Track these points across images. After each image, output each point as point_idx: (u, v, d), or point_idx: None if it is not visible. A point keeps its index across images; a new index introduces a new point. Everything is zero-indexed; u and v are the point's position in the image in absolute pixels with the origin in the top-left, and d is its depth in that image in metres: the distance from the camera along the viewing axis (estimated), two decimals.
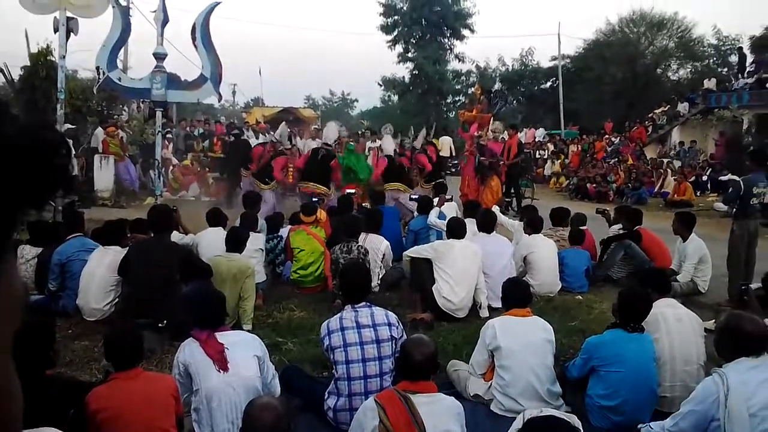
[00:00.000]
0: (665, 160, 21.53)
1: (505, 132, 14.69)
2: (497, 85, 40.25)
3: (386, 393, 3.39)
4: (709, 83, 26.05)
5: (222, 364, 3.70)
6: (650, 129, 27.02)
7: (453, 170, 20.68)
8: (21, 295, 0.54)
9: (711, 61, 34.33)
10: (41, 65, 13.51)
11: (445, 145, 22.37)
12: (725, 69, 32.03)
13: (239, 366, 3.75)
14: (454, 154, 23.17)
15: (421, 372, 3.33)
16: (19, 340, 0.53)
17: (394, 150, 12.37)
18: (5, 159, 0.45)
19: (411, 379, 3.33)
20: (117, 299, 5.95)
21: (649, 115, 28.02)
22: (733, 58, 30.81)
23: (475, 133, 13.87)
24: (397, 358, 3.62)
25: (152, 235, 6.09)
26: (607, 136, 27.30)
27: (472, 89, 17.35)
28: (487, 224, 7.17)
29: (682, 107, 26.23)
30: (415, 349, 3.34)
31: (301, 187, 11.56)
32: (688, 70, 35.36)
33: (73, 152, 12.80)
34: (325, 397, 4.24)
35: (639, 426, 3.85)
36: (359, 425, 3.28)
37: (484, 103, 14.78)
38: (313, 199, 9.69)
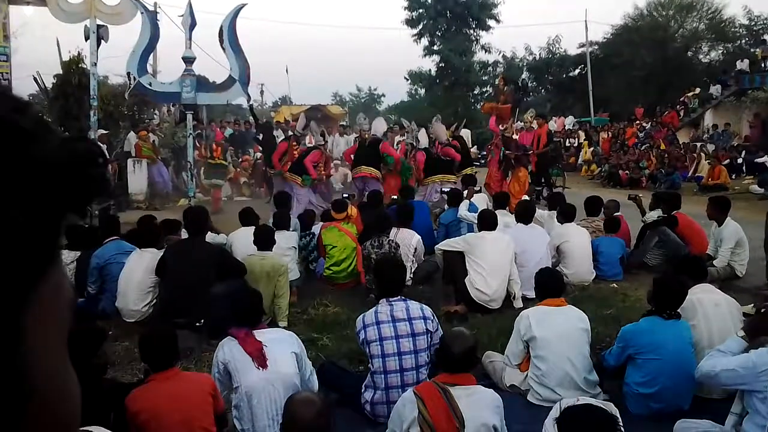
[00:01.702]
0: (698, 144, 21.15)
1: (534, 122, 14.52)
2: (524, 75, 39.88)
3: (425, 385, 3.42)
4: (742, 64, 25.52)
5: (261, 361, 3.76)
6: (682, 113, 26.54)
7: (478, 163, 20.55)
8: (70, 298, 0.56)
9: (743, 41, 33.57)
10: (73, 73, 13.76)
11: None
12: (758, 49, 31.35)
13: (278, 363, 3.81)
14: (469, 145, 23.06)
15: (461, 365, 3.34)
16: (70, 345, 0.57)
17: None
18: (47, 174, 0.48)
19: (450, 372, 3.35)
20: (155, 300, 6.05)
21: (681, 99, 27.53)
22: (767, 38, 30.13)
23: (501, 127, 13.76)
24: (437, 351, 3.63)
25: (188, 235, 6.18)
26: (638, 121, 26.91)
27: (497, 80, 17.13)
28: (526, 215, 7.18)
29: (715, 90, 25.76)
30: (455, 342, 3.35)
31: (354, 174, 12.01)
32: (720, 51, 34.63)
33: (107, 157, 13.03)
34: (362, 390, 4.28)
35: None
36: (398, 417, 3.30)
37: (507, 94, 14.60)
38: (344, 195, 9.73)
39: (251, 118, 17.76)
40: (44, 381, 0.51)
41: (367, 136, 12.19)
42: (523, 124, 14.40)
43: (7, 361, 0.46)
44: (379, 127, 12.99)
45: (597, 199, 8.67)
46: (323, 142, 12.41)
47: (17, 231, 0.46)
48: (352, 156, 12.39)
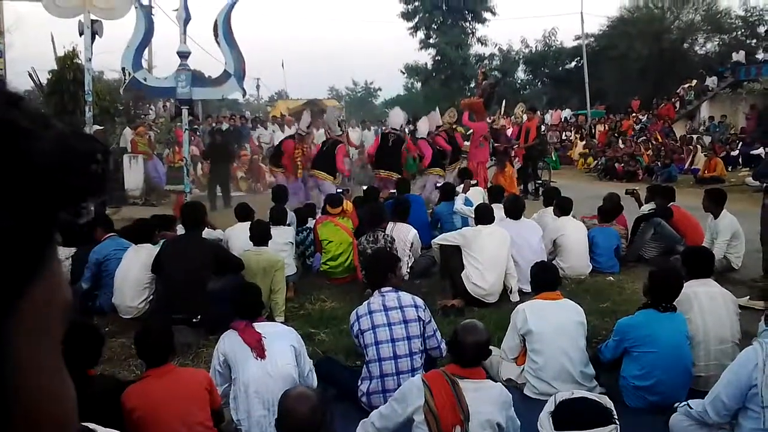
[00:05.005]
0: (695, 137, 21.16)
1: (524, 115, 14.49)
2: (519, 70, 39.85)
3: (434, 374, 3.42)
4: (738, 56, 25.53)
5: (260, 351, 3.79)
6: (678, 105, 26.54)
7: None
8: (67, 300, 0.54)
9: (739, 33, 33.54)
10: (68, 68, 13.69)
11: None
12: (754, 41, 31.33)
13: (276, 355, 3.83)
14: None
15: (471, 358, 3.35)
16: (67, 341, 0.55)
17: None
18: (38, 172, 0.46)
19: (461, 364, 3.35)
20: (152, 297, 6.04)
21: (677, 91, 27.51)
22: (762, 29, 30.13)
23: (489, 120, 13.78)
24: (449, 342, 3.64)
25: (185, 231, 6.17)
26: (634, 114, 26.91)
27: (478, 74, 17.07)
28: (515, 210, 7.14)
29: (711, 82, 25.74)
30: (467, 335, 3.35)
31: (379, 175, 11.54)
32: (716, 43, 34.61)
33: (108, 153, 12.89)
34: (359, 383, 4.30)
35: (675, 405, 3.82)
36: (404, 398, 3.31)
37: (483, 88, 14.52)
38: (338, 190, 9.70)
39: (247, 112, 17.64)
40: (34, 390, 0.49)
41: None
42: (514, 119, 14.41)
43: None
44: (395, 119, 11.99)
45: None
46: (341, 133, 11.65)
47: (2, 235, 0.44)
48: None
